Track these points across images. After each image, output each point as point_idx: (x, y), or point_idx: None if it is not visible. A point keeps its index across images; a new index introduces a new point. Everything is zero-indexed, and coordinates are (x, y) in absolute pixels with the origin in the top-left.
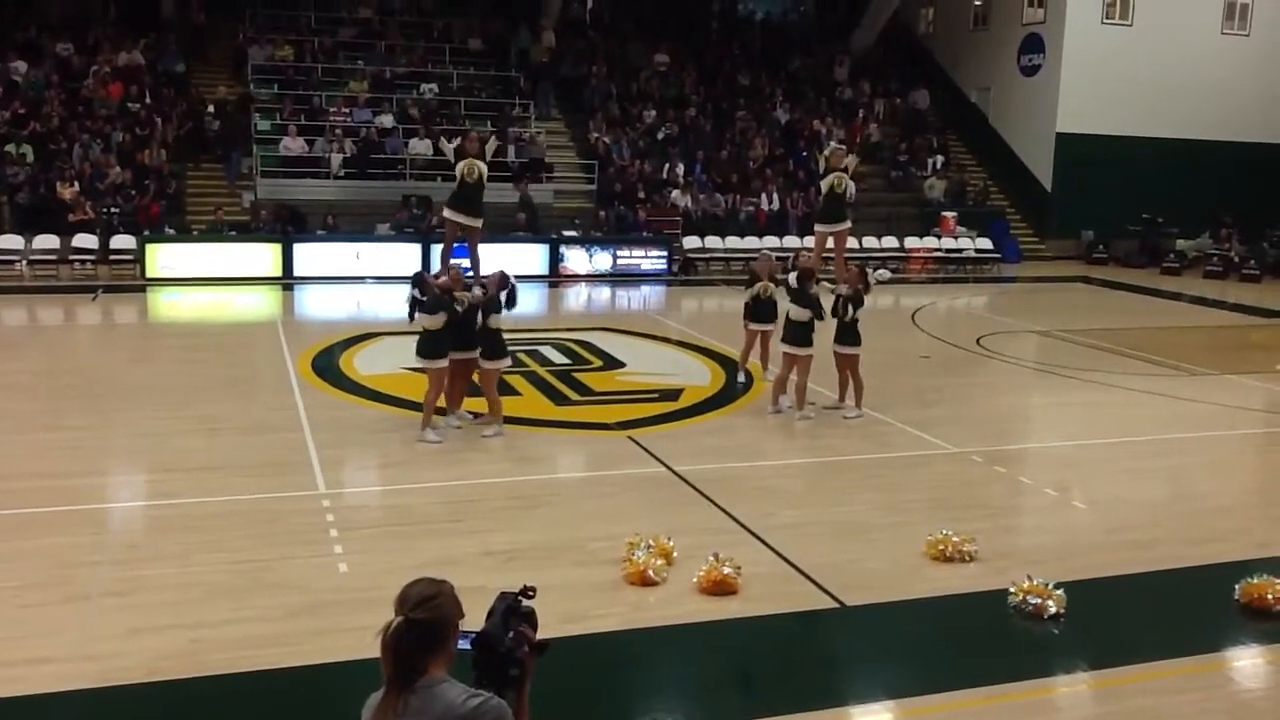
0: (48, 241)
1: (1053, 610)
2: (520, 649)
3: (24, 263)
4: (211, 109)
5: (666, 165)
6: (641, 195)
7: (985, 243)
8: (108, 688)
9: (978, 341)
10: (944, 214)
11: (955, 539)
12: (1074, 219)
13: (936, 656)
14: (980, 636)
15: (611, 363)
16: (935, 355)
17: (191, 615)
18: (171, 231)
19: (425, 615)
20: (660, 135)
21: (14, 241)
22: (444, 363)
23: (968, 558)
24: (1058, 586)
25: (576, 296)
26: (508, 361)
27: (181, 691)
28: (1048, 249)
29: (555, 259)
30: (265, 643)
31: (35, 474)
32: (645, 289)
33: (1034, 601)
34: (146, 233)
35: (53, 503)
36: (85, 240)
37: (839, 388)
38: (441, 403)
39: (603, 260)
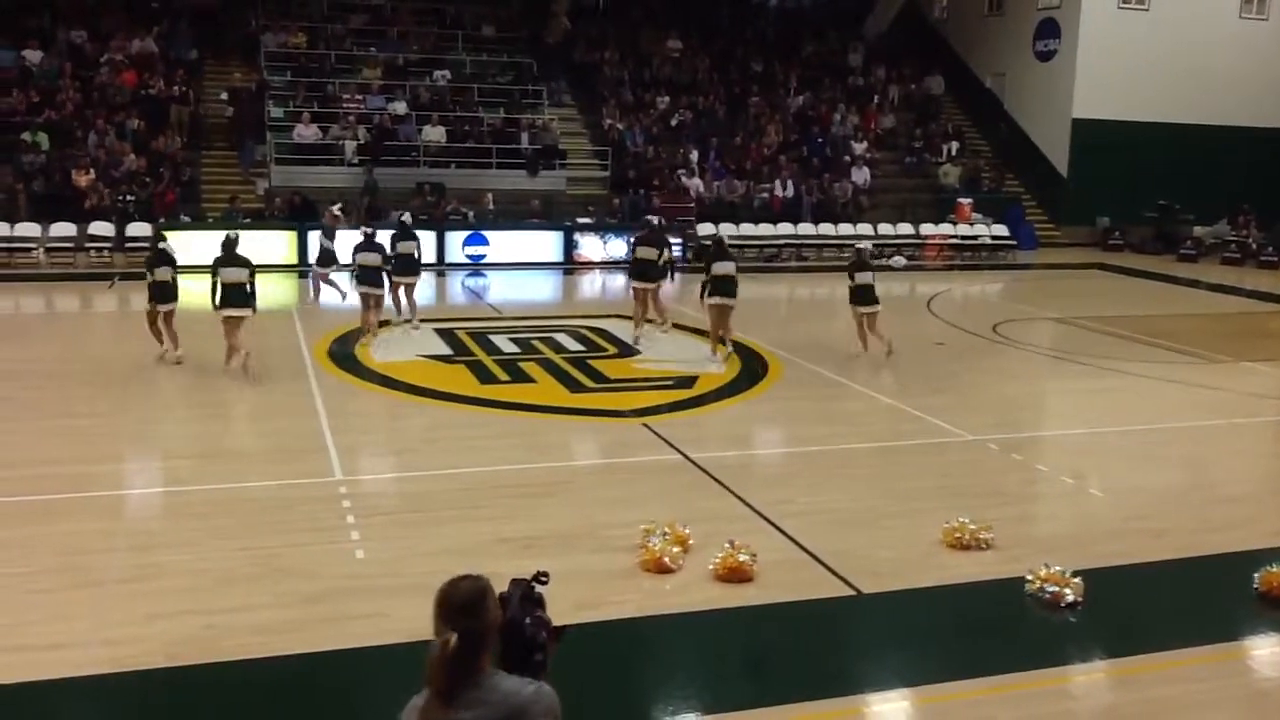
0: (64, 229)
1: (1070, 598)
2: (541, 635)
3: (41, 250)
4: (225, 96)
5: (680, 152)
6: (655, 182)
7: (1001, 229)
8: (125, 672)
9: (994, 328)
10: (959, 200)
11: (972, 527)
12: (1090, 205)
13: (953, 644)
14: (997, 624)
15: (626, 350)
16: (950, 342)
17: (207, 602)
18: (186, 219)
19: (478, 625)
20: (674, 122)
21: (31, 229)
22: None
23: (984, 545)
24: (1075, 574)
25: (591, 283)
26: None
27: (198, 677)
28: (1063, 235)
29: (569, 246)
30: (281, 629)
31: (49, 460)
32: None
33: (1051, 589)
34: (162, 220)
35: (67, 489)
36: (101, 228)
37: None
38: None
39: (617, 247)
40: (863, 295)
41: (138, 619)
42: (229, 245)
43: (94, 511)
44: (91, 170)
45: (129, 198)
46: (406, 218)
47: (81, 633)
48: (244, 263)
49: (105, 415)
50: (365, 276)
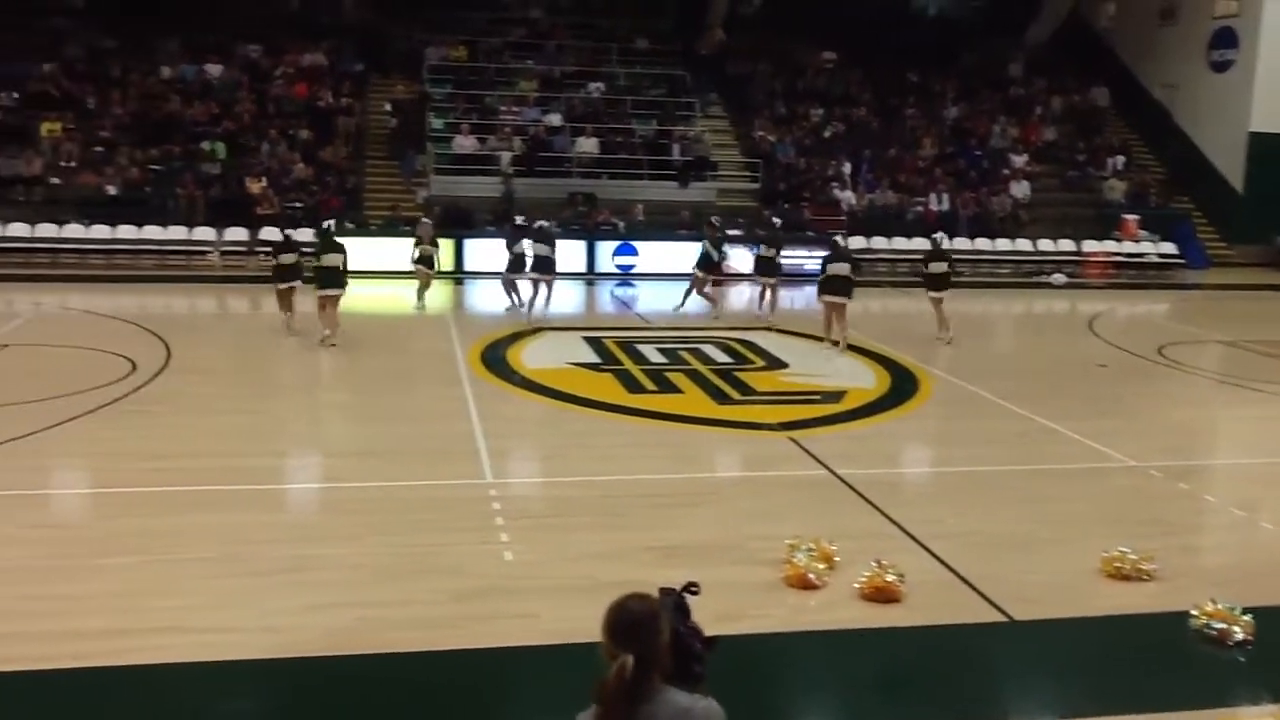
0: (237, 234)
1: (1239, 636)
2: (697, 645)
3: (216, 253)
4: (389, 108)
5: (832, 164)
6: (806, 194)
7: (1169, 247)
8: (288, 658)
9: (1159, 351)
10: (1124, 216)
11: (1133, 556)
12: (1266, 223)
13: (1110, 677)
14: (1158, 659)
15: (774, 363)
16: (1113, 364)
17: (363, 595)
18: (350, 226)
19: (651, 647)
20: (826, 134)
21: (207, 233)
22: None
23: (1146, 576)
24: (1245, 612)
25: (739, 295)
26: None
27: (355, 667)
28: (1236, 255)
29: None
30: (434, 624)
31: (215, 453)
32: (809, 289)
33: (1218, 626)
34: (329, 224)
35: (231, 481)
36: (271, 233)
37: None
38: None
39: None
40: (936, 282)
41: (297, 608)
42: (326, 234)
43: (256, 503)
44: (263, 178)
45: (297, 205)
46: (518, 220)
47: (244, 618)
48: (339, 248)
49: (269, 412)
50: (537, 264)
